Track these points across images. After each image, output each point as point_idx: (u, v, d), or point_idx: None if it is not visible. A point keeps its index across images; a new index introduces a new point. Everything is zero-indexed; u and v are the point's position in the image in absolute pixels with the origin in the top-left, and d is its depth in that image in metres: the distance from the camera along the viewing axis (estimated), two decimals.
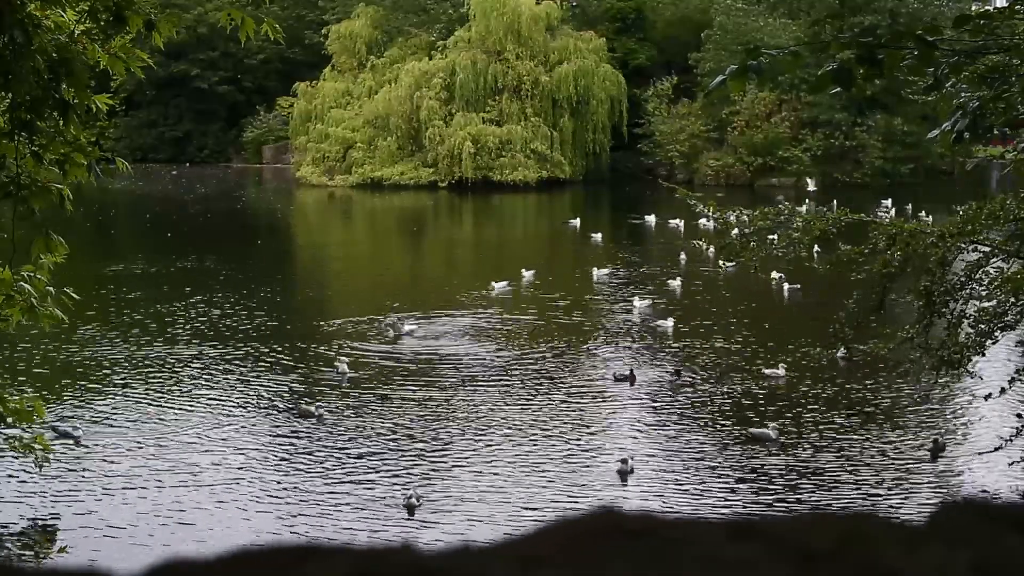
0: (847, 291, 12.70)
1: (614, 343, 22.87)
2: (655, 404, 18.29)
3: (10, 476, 14.21)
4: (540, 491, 14.04)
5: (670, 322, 23.71)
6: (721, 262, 26.78)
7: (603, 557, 0.93)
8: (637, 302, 26.15)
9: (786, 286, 27.37)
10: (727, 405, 18.06)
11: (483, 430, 16.57)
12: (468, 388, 18.95)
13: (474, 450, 15.70)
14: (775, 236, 12.28)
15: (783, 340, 22.36)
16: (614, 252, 37.06)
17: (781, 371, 19.37)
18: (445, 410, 17.66)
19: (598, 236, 39.73)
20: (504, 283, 28.51)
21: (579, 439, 16.20)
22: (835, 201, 36.94)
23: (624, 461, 14.52)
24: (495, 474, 14.65)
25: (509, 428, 16.63)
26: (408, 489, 13.50)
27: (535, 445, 15.87)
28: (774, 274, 27.09)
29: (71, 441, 15.62)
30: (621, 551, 0.94)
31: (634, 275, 32.16)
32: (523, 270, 30.01)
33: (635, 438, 16.40)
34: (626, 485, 14.22)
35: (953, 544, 0.97)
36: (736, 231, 12.48)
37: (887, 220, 12.73)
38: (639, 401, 18.45)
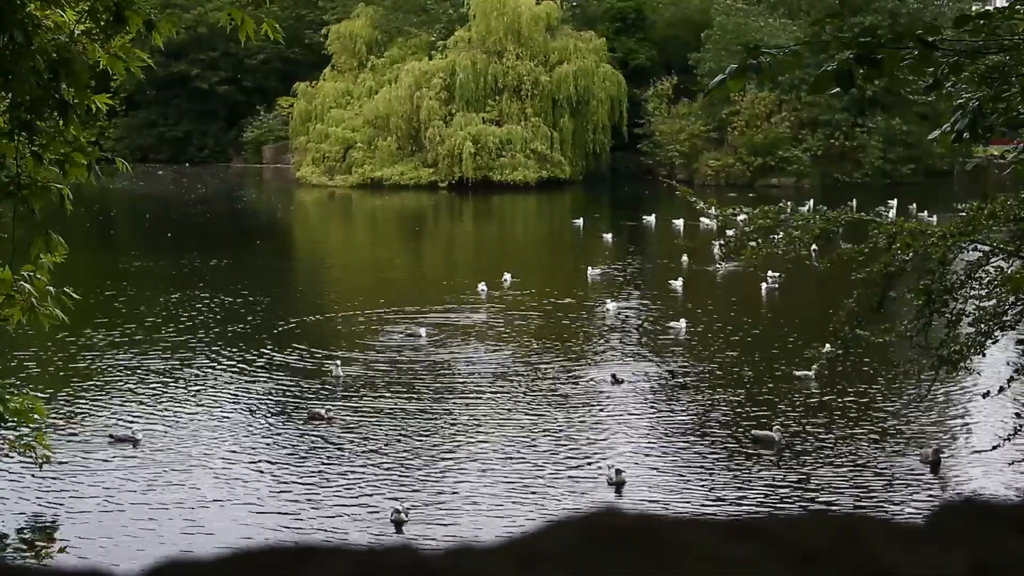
0: (828, 290, 12.69)
1: (608, 344, 22.86)
2: (653, 407, 18.25)
3: (10, 476, 14.20)
4: (535, 499, 13.88)
5: (682, 323, 23.55)
6: (722, 263, 26.78)
7: (603, 557, 0.93)
8: (610, 304, 25.84)
9: (763, 285, 27.39)
10: (727, 407, 18.03)
11: (471, 439, 16.34)
12: (457, 394, 18.82)
13: (463, 460, 15.43)
14: (779, 235, 12.28)
15: (783, 341, 22.35)
16: (615, 253, 37.04)
17: (812, 372, 19.08)
18: (436, 415, 17.56)
19: (608, 236, 39.71)
20: (484, 286, 27.96)
21: (573, 445, 15.99)
22: (855, 201, 36.79)
23: (618, 472, 14.13)
24: (486, 486, 14.35)
25: (497, 436, 16.41)
26: (397, 503, 13.14)
27: (527, 453, 15.68)
28: (771, 273, 27.20)
29: (130, 444, 15.74)
30: (621, 551, 0.94)
31: (632, 276, 32.17)
32: (505, 273, 29.48)
33: (634, 441, 16.33)
34: (621, 496, 13.96)
35: (953, 544, 0.97)
36: (732, 231, 12.50)
37: (888, 220, 12.74)
38: (636, 404, 18.37)
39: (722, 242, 13.61)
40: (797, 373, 19.37)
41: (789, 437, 16.09)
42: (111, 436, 16.06)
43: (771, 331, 23.63)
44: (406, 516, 12.82)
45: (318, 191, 62.65)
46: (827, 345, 17.41)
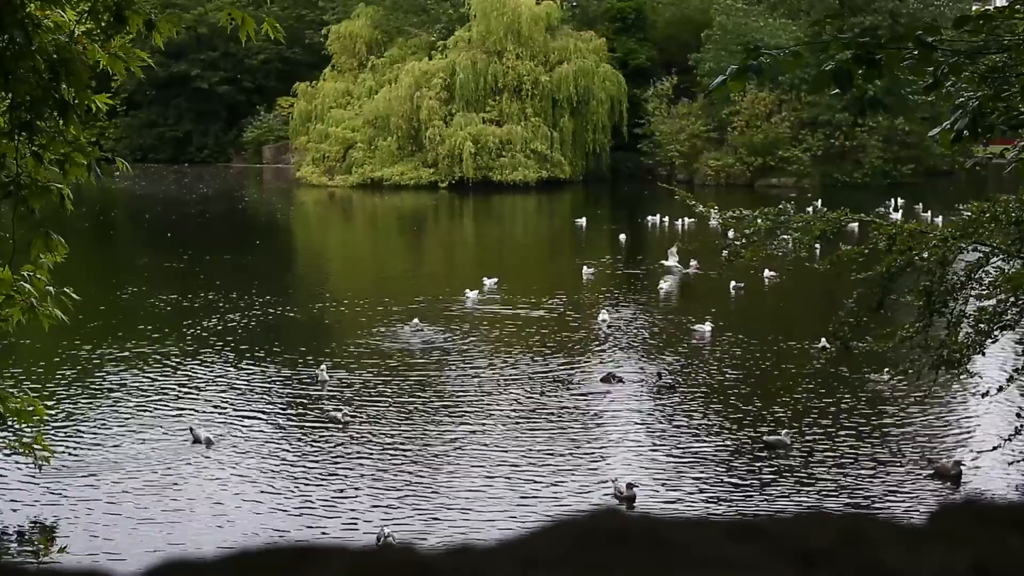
0: (828, 290, 12.65)
1: (614, 346, 22.84)
2: (658, 411, 18.22)
3: (10, 476, 14.20)
4: (538, 505, 13.81)
5: (708, 326, 23.22)
6: (724, 267, 26.77)
7: (603, 557, 0.93)
8: (604, 315, 24.69)
9: (732, 283, 27.35)
10: (728, 410, 18.00)
11: (471, 442, 16.29)
12: (457, 395, 18.75)
13: (462, 463, 15.31)
14: (787, 236, 12.27)
15: (786, 342, 22.34)
16: (616, 253, 37.03)
17: (886, 376, 18.36)
18: (435, 417, 17.52)
19: (623, 237, 39.58)
20: (475, 292, 27.34)
21: (576, 452, 15.81)
22: (894, 199, 36.11)
23: (630, 486, 13.74)
24: (486, 491, 14.25)
25: (497, 441, 16.34)
26: (384, 528, 12.69)
27: (528, 458, 15.58)
28: (768, 272, 27.18)
29: (205, 446, 15.72)
30: (621, 551, 0.94)
31: (638, 277, 32.12)
32: (488, 278, 28.85)
33: (639, 447, 16.24)
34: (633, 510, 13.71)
35: (953, 544, 0.96)
36: (731, 232, 12.50)
37: (888, 221, 12.75)
38: (641, 407, 18.32)
39: (728, 241, 13.56)
40: (872, 376, 18.70)
41: (799, 440, 15.97)
42: (191, 432, 16.03)
43: (777, 332, 23.53)
44: (393, 541, 12.65)
45: (318, 191, 62.65)
46: (823, 341, 17.34)
